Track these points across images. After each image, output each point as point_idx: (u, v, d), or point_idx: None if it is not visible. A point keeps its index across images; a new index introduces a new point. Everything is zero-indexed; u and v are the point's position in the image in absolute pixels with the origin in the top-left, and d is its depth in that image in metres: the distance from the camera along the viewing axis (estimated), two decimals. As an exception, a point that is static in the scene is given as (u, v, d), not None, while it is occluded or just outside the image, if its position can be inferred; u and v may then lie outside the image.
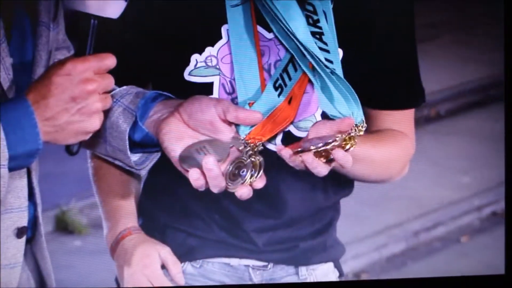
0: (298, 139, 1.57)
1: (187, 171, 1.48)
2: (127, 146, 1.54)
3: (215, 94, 1.66)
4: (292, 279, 1.73)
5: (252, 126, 1.52)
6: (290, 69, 1.59)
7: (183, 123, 1.50)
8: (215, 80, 1.66)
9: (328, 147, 1.49)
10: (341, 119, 1.52)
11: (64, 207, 3.82)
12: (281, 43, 1.62)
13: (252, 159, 1.50)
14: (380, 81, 1.69)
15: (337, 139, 1.50)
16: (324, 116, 1.60)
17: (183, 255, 1.71)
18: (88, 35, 1.49)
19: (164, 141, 1.50)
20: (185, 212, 1.72)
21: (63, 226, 3.78)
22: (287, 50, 1.60)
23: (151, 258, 1.66)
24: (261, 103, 1.56)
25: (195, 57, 1.66)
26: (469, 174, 4.43)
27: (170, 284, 1.68)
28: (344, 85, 1.55)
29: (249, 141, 1.51)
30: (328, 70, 1.55)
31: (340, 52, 1.64)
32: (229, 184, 1.49)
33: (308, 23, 1.59)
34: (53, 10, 1.53)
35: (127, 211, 1.72)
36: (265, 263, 1.73)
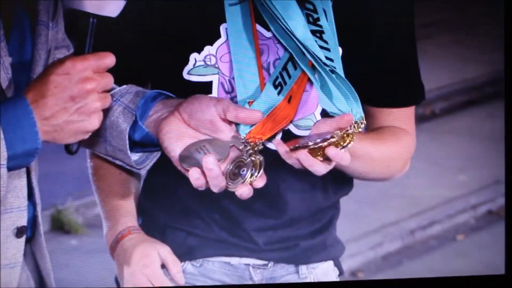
0: (298, 137, 1.57)
1: (187, 170, 1.48)
2: (127, 146, 1.53)
3: (214, 93, 1.66)
4: (293, 277, 1.73)
5: (252, 125, 1.51)
6: (290, 67, 1.59)
7: (183, 123, 1.49)
8: (214, 79, 1.66)
9: (324, 143, 1.49)
10: (340, 116, 1.52)
11: (60, 207, 3.81)
12: (280, 42, 1.61)
13: (253, 158, 1.50)
14: (380, 79, 1.69)
15: (335, 135, 1.50)
16: (324, 114, 1.60)
17: (183, 255, 1.70)
18: (87, 34, 1.49)
19: (164, 140, 1.49)
20: (185, 212, 1.71)
21: (59, 226, 3.77)
22: (286, 49, 1.60)
23: (151, 257, 1.65)
24: (260, 102, 1.55)
25: (194, 56, 1.66)
26: (464, 172, 4.43)
27: (170, 284, 1.67)
28: (343, 82, 1.55)
29: (249, 140, 1.51)
30: (327, 68, 1.55)
31: (340, 50, 1.63)
32: (229, 183, 1.49)
33: (308, 22, 1.59)
34: (52, 9, 1.52)
35: (127, 211, 1.71)
36: (266, 262, 1.73)
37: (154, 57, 1.67)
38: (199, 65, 1.66)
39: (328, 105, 1.54)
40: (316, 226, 1.74)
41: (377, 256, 3.89)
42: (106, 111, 1.48)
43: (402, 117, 1.73)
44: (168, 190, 1.71)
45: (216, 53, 1.65)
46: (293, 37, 1.57)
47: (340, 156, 1.49)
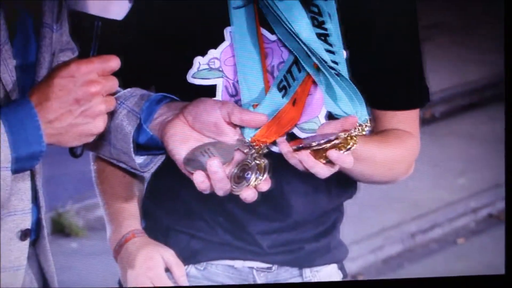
0: (302, 138, 1.56)
1: (192, 173, 1.48)
2: (132, 149, 1.53)
3: (218, 96, 1.65)
4: (296, 281, 1.73)
5: (257, 129, 1.51)
6: (294, 70, 1.59)
7: (188, 126, 1.49)
8: (218, 83, 1.66)
9: (327, 145, 1.48)
10: (344, 118, 1.52)
11: (61, 210, 3.81)
12: (285, 45, 1.61)
13: (257, 162, 1.50)
14: (385, 81, 1.69)
15: (338, 137, 1.49)
16: (329, 117, 1.60)
17: (187, 258, 1.70)
18: (92, 36, 1.48)
19: (169, 143, 1.49)
20: (189, 215, 1.71)
21: (60, 229, 3.77)
22: (290, 51, 1.60)
23: (154, 260, 1.65)
24: (265, 105, 1.55)
25: (198, 59, 1.66)
26: (465, 175, 4.43)
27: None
28: (348, 85, 1.55)
29: (254, 144, 1.51)
30: (333, 72, 1.55)
31: (344, 53, 1.63)
32: (234, 186, 1.49)
33: (313, 25, 1.59)
34: (56, 11, 1.52)
35: (130, 214, 1.71)
36: (270, 265, 1.72)
37: (158, 61, 1.67)
38: (203, 69, 1.65)
39: (333, 107, 1.54)
40: (320, 229, 1.74)
41: (377, 259, 3.89)
42: (110, 114, 1.48)
43: (406, 120, 1.73)
44: (172, 193, 1.71)
45: (220, 57, 1.65)
46: (298, 40, 1.57)
47: (342, 159, 1.49)
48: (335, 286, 1.77)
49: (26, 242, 1.46)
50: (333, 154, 1.48)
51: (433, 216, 4.14)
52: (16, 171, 1.40)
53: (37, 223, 1.51)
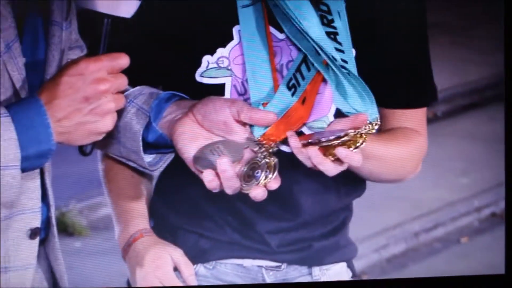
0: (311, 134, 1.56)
1: (201, 172, 1.47)
2: (141, 147, 1.53)
3: (227, 95, 1.65)
4: (305, 279, 1.72)
5: (266, 127, 1.51)
6: (303, 69, 1.58)
7: (197, 124, 1.49)
8: (227, 82, 1.65)
9: (337, 141, 1.47)
10: (355, 115, 1.51)
11: (64, 209, 3.81)
12: (293, 43, 1.61)
13: (267, 160, 1.49)
14: (393, 80, 1.68)
15: (349, 134, 1.48)
16: (338, 116, 1.59)
17: (196, 257, 1.69)
18: (101, 34, 1.48)
19: (178, 142, 1.49)
20: (197, 214, 1.71)
21: (63, 228, 3.77)
22: (299, 50, 1.59)
23: (163, 260, 1.65)
24: (275, 103, 1.55)
25: (206, 58, 1.65)
26: (467, 175, 4.43)
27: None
28: (359, 82, 1.54)
29: (263, 142, 1.50)
30: (345, 71, 1.54)
31: (353, 52, 1.63)
32: (244, 185, 1.48)
33: (322, 23, 1.58)
34: (65, 10, 1.52)
35: (139, 213, 1.70)
36: (279, 264, 1.72)
37: (166, 59, 1.67)
38: (211, 68, 1.65)
39: (343, 104, 1.54)
40: (329, 228, 1.73)
41: (381, 258, 3.88)
42: (119, 113, 1.48)
43: (414, 119, 1.73)
44: (181, 192, 1.70)
45: (229, 55, 1.65)
46: (307, 37, 1.57)
47: (350, 157, 1.48)
48: (340, 285, 1.76)
49: (36, 241, 1.45)
50: (341, 151, 1.47)
51: (436, 215, 4.14)
52: (25, 169, 1.39)
53: (47, 221, 1.51)
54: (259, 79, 1.59)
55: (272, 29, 1.63)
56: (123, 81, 1.43)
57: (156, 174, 1.59)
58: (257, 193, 1.47)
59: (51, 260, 1.53)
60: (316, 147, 1.47)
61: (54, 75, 1.44)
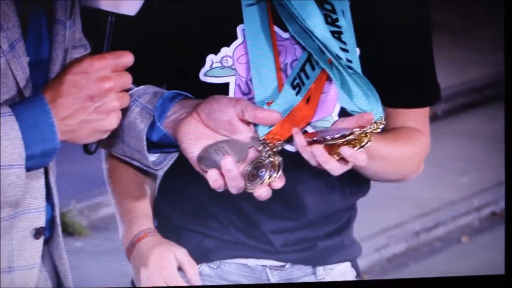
0: (317, 131, 1.55)
1: (206, 171, 1.47)
2: (145, 147, 1.52)
3: (231, 94, 1.65)
4: (310, 279, 1.72)
5: (271, 126, 1.50)
6: (308, 68, 1.58)
7: (202, 123, 1.48)
8: (231, 81, 1.65)
9: (342, 140, 1.47)
10: (360, 114, 1.51)
11: (64, 209, 3.80)
12: (297, 43, 1.61)
13: (271, 159, 1.49)
14: (398, 79, 1.68)
15: (355, 132, 1.48)
16: (342, 115, 1.59)
17: (200, 257, 1.69)
18: (104, 33, 1.47)
19: (182, 141, 1.48)
20: (201, 213, 1.70)
21: (63, 228, 3.76)
22: (304, 49, 1.59)
23: (167, 260, 1.64)
24: (279, 102, 1.54)
25: (210, 57, 1.65)
26: (467, 174, 4.44)
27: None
28: (364, 81, 1.54)
29: (268, 141, 1.50)
30: (350, 71, 1.54)
31: (357, 51, 1.63)
32: (248, 184, 1.47)
33: (327, 22, 1.58)
34: (69, 8, 1.51)
35: (143, 213, 1.70)
36: (283, 263, 1.71)
37: (170, 58, 1.66)
38: (215, 67, 1.65)
39: (348, 103, 1.53)
40: (333, 227, 1.73)
41: (382, 258, 3.89)
42: (123, 112, 1.47)
43: (417, 118, 1.73)
44: (185, 192, 1.70)
45: (233, 55, 1.64)
46: (312, 36, 1.56)
47: (355, 156, 1.47)
48: (345, 285, 1.76)
49: (40, 241, 1.45)
50: (346, 151, 1.47)
51: (436, 215, 4.14)
52: (30, 168, 1.39)
53: (51, 221, 1.50)
54: (264, 78, 1.59)
55: (276, 28, 1.62)
56: (127, 79, 1.43)
57: (160, 173, 1.58)
58: (262, 192, 1.46)
59: (55, 259, 1.53)
60: (321, 146, 1.47)
61: (58, 73, 1.43)
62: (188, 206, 1.71)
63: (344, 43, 1.58)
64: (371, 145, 1.50)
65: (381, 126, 1.54)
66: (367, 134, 1.50)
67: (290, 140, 1.53)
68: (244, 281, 1.71)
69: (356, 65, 1.58)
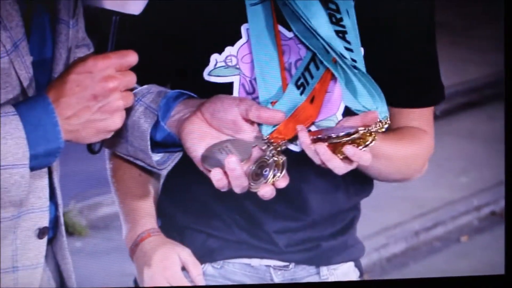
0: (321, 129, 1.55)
1: (210, 171, 1.46)
2: (149, 146, 1.52)
3: (235, 94, 1.64)
4: (313, 279, 1.72)
5: (275, 126, 1.50)
6: (312, 67, 1.58)
7: (206, 123, 1.48)
8: (235, 80, 1.64)
9: (347, 138, 1.46)
10: (365, 113, 1.50)
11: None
12: (302, 42, 1.60)
13: (275, 159, 1.48)
14: (402, 79, 1.68)
15: (359, 131, 1.47)
16: (346, 115, 1.58)
17: (203, 257, 1.69)
18: (108, 32, 1.47)
19: (186, 141, 1.48)
20: (205, 213, 1.70)
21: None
22: (308, 48, 1.59)
23: (171, 260, 1.64)
24: (283, 102, 1.54)
25: (214, 57, 1.64)
26: (467, 174, 4.44)
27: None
28: (369, 80, 1.54)
29: (272, 141, 1.49)
30: (356, 71, 1.54)
31: (362, 50, 1.62)
32: (252, 184, 1.47)
33: (331, 22, 1.58)
34: (72, 8, 1.51)
35: (146, 212, 1.69)
36: (286, 263, 1.71)
37: (174, 58, 1.66)
38: (220, 66, 1.64)
39: (352, 102, 1.53)
40: (337, 227, 1.73)
41: (382, 257, 3.89)
42: (127, 111, 1.47)
43: (421, 118, 1.73)
44: (189, 191, 1.70)
45: (237, 54, 1.64)
46: (316, 36, 1.56)
47: (359, 155, 1.47)
48: (348, 286, 1.76)
49: (44, 240, 1.45)
50: (349, 150, 1.46)
51: (436, 214, 4.14)
52: (33, 168, 1.39)
53: (55, 221, 1.50)
54: (268, 78, 1.59)
55: (280, 28, 1.62)
56: (131, 78, 1.42)
57: (164, 173, 1.58)
58: (265, 191, 1.46)
59: (59, 259, 1.52)
60: (325, 144, 1.47)
61: (62, 73, 1.43)
62: (192, 206, 1.71)
63: (349, 42, 1.58)
64: (375, 144, 1.50)
65: (386, 126, 1.53)
66: (372, 133, 1.50)
67: (294, 139, 1.52)
68: (248, 281, 1.71)
69: (361, 65, 1.58)
